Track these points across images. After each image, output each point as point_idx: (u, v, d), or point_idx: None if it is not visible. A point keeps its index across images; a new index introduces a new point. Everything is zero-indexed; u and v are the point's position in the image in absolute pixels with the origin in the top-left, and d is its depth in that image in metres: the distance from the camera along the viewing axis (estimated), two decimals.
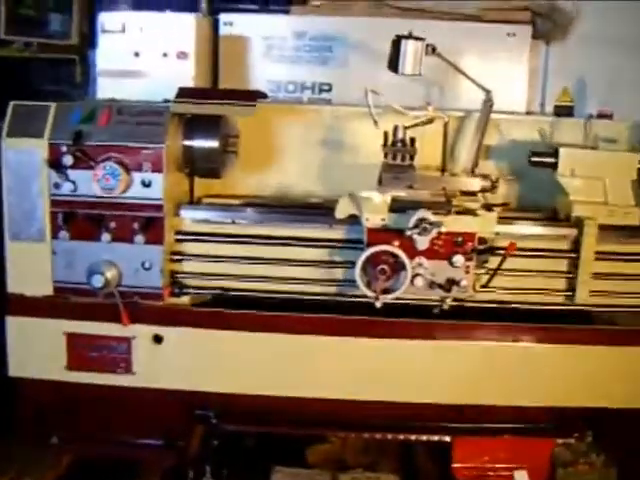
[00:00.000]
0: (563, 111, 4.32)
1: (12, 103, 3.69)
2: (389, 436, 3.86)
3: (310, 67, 4.51)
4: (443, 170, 3.96)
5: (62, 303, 3.74)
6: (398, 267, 3.52)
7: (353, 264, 3.60)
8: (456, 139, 4.18)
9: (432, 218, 3.43)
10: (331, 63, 4.50)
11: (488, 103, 3.94)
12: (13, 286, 3.77)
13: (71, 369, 3.79)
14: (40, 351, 3.80)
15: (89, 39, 4.23)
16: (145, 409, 3.80)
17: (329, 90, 4.51)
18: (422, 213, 3.43)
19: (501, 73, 4.39)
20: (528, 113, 4.48)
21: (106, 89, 4.14)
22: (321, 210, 3.83)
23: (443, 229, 3.45)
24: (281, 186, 4.26)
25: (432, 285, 3.58)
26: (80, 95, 4.88)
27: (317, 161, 4.23)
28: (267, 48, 4.52)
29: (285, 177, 4.24)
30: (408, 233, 3.43)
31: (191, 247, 3.81)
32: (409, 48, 3.74)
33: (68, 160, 3.56)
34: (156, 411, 3.80)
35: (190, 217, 3.80)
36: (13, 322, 3.79)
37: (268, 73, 4.53)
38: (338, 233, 3.75)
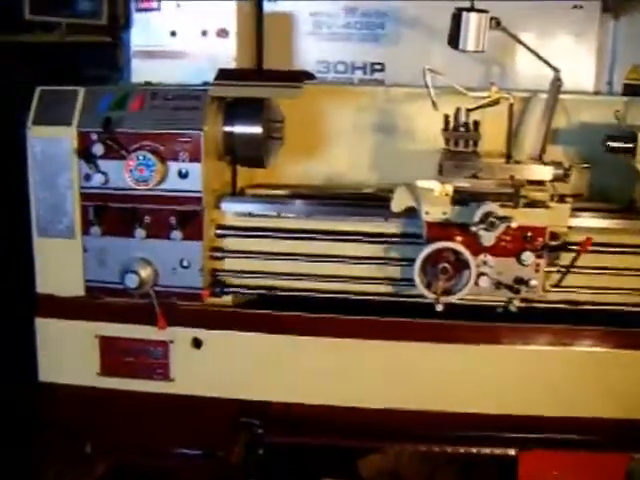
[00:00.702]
0: (633, 90, 3.91)
1: (38, 88, 3.39)
2: (448, 449, 3.48)
3: (361, 45, 4.10)
4: (508, 157, 3.56)
5: (94, 304, 3.46)
6: (461, 265, 3.15)
7: (409, 261, 3.30)
8: (520, 122, 3.76)
9: (500, 212, 3.04)
10: (383, 41, 4.09)
11: (557, 83, 3.53)
12: (42, 286, 3.49)
13: (105, 375, 3.51)
14: (71, 355, 3.52)
15: (123, 18, 3.84)
16: (183, 417, 3.51)
17: (381, 70, 4.11)
18: (489, 206, 3.05)
19: (566, 49, 3.97)
20: (596, 93, 4.04)
21: (140, 72, 3.79)
22: (374, 202, 3.48)
23: (513, 224, 3.04)
24: (330, 175, 3.91)
25: (498, 285, 3.21)
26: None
27: (369, 147, 3.88)
28: (315, 25, 4.11)
29: (334, 165, 3.89)
30: (473, 229, 3.05)
31: (233, 243, 3.49)
32: (471, 22, 3.33)
33: (98, 149, 3.27)
34: (195, 420, 3.50)
35: (232, 210, 3.47)
36: (43, 324, 3.52)
37: (316, 52, 4.13)
38: (394, 227, 3.40)
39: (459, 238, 3.15)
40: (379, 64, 4.10)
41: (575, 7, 3.99)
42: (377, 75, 4.11)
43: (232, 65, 3.70)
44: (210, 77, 3.44)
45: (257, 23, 4.05)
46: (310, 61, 4.11)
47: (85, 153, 3.28)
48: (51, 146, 3.32)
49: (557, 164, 3.39)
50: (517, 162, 3.50)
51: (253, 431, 3.52)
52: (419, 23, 4.00)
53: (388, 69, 4.10)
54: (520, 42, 3.50)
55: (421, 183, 3.27)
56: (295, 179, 3.87)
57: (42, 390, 3.55)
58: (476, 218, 3.06)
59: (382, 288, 3.44)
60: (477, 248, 3.15)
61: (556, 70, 3.50)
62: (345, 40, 4.11)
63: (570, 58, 3.89)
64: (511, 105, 3.52)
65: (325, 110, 3.85)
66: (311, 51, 4.13)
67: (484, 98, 3.46)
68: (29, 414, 3.75)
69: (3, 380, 4.20)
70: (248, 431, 3.53)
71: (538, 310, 3.35)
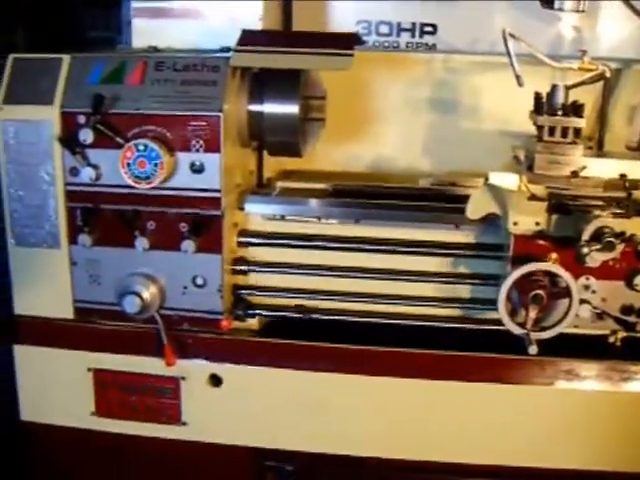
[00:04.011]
0: None
1: (11, 56, 2.51)
2: None
3: (409, 2, 3.16)
4: (600, 146, 2.69)
5: (85, 329, 2.63)
6: (558, 292, 2.29)
7: (484, 278, 2.53)
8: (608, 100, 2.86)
9: (616, 227, 2.17)
10: None
11: None
12: (21, 306, 2.66)
13: (100, 415, 2.68)
14: (59, 391, 2.70)
15: None
16: (197, 468, 2.70)
17: (433, 32, 3.19)
18: (602, 220, 2.18)
19: None
20: None
21: (143, 34, 2.82)
22: (436, 199, 2.63)
23: None
24: (376, 161, 3.04)
25: (602, 315, 2.34)
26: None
27: (423, 128, 3.00)
28: None
29: (382, 148, 3.02)
30: (584, 250, 2.17)
31: (261, 253, 2.65)
32: None
33: (87, 136, 2.41)
34: (211, 471, 2.69)
35: (259, 212, 2.62)
36: (23, 352, 2.69)
37: (354, 11, 3.20)
38: (466, 236, 2.54)
39: (554, 255, 2.29)
40: (430, 25, 3.18)
41: None
42: (427, 38, 3.19)
43: (258, 26, 2.77)
44: (230, 41, 2.56)
45: None
46: (347, 21, 3.18)
47: (70, 141, 2.43)
48: (27, 131, 2.47)
49: None
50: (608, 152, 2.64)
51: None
52: None
53: (441, 31, 3.18)
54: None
55: (497, 178, 2.42)
56: (334, 165, 3.01)
57: (24, 431, 2.73)
58: (586, 235, 2.19)
59: (447, 311, 2.59)
60: (577, 269, 2.30)
61: None
62: None
63: None
64: (607, 80, 2.63)
65: (370, 82, 2.97)
66: (348, 9, 3.18)
67: (576, 70, 2.60)
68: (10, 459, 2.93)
69: None
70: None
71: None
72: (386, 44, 3.19)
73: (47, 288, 2.59)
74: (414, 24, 3.19)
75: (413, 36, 3.21)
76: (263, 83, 2.55)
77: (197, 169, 2.42)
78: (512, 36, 2.53)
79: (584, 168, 2.40)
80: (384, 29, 3.21)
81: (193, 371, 2.59)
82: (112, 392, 2.63)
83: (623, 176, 2.39)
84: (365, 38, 3.14)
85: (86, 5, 5.61)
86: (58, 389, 2.67)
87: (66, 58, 2.49)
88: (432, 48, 3.16)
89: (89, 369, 2.63)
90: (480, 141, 2.90)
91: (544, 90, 2.52)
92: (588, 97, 2.62)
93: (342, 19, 3.20)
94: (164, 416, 2.62)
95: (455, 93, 2.96)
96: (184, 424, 2.63)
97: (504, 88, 2.63)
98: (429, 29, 3.19)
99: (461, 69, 2.96)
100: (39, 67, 2.50)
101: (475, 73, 2.93)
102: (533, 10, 2.85)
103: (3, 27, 5.15)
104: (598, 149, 2.71)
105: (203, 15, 2.82)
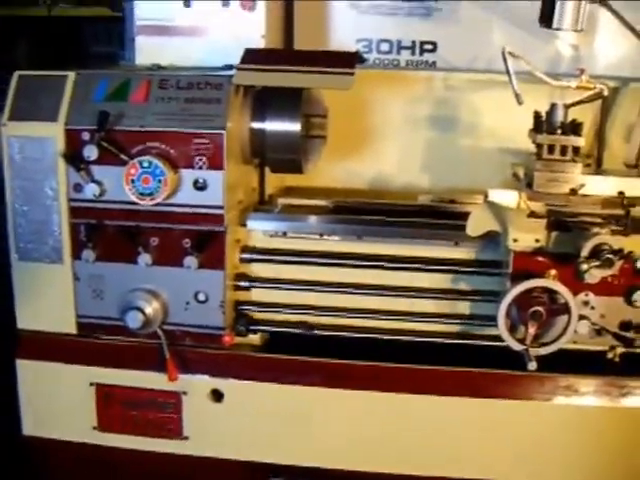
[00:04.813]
0: None
1: (16, 73, 2.51)
2: None
3: (409, 20, 3.17)
4: (599, 163, 2.70)
5: (88, 345, 2.61)
6: (557, 308, 2.30)
7: (483, 294, 2.54)
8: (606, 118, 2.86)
9: (615, 244, 2.18)
10: (436, 15, 3.17)
11: None
12: (24, 321, 2.64)
13: (102, 430, 2.65)
14: (62, 405, 2.67)
15: None
16: None
17: (433, 50, 3.19)
18: (601, 237, 2.19)
19: None
20: None
21: (146, 52, 2.83)
22: (436, 216, 2.64)
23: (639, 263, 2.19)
24: (376, 177, 3.03)
25: (601, 331, 2.35)
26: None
27: (422, 145, 3.00)
28: None
29: (381, 165, 3.01)
30: (584, 267, 2.18)
31: (263, 269, 2.65)
32: None
33: (92, 152, 2.40)
34: None
35: (262, 228, 2.62)
36: (25, 367, 2.66)
37: (355, 29, 3.20)
38: (466, 253, 2.54)
39: (553, 272, 2.29)
40: (430, 43, 3.18)
41: None
42: (427, 56, 3.20)
43: (260, 44, 2.78)
44: (232, 59, 2.58)
45: None
46: (348, 39, 3.18)
47: (75, 157, 2.42)
48: (32, 148, 2.46)
49: None
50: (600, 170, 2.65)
51: None
52: None
53: (441, 49, 3.20)
54: (623, 21, 2.63)
55: (496, 195, 2.43)
56: (334, 181, 3.00)
57: (26, 445, 2.71)
58: (585, 252, 2.19)
59: (446, 327, 2.59)
60: (576, 285, 2.30)
61: None
62: (390, 14, 3.16)
63: None
64: (605, 98, 2.64)
65: (370, 99, 2.96)
66: (349, 27, 3.19)
67: (575, 89, 2.61)
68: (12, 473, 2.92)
69: None
70: None
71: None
72: (386, 62, 3.20)
73: (50, 303, 2.58)
74: (414, 42, 3.20)
75: (413, 54, 3.21)
76: (265, 101, 2.55)
77: (200, 186, 2.41)
78: (511, 54, 2.55)
79: (583, 186, 2.40)
80: (384, 47, 3.22)
81: (195, 386, 2.57)
82: (114, 407, 2.61)
83: (621, 193, 2.39)
84: (366, 56, 3.16)
85: (88, 20, 5.63)
86: (60, 403, 2.65)
87: (71, 75, 2.49)
88: (432, 65, 3.17)
89: (91, 384, 2.60)
90: (479, 158, 2.90)
91: (542, 108, 2.52)
92: (586, 115, 2.63)
93: (343, 37, 3.20)
94: (166, 430, 2.60)
95: (454, 111, 2.96)
96: (185, 438, 2.61)
97: (503, 106, 2.63)
98: (429, 47, 3.20)
99: (460, 87, 2.95)
100: (44, 84, 2.50)
101: (474, 91, 2.93)
102: (531, 28, 2.83)
103: (5, 43, 5.17)
104: (596, 167, 2.69)
105: (206, 33, 2.83)
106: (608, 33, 2.94)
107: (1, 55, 4.61)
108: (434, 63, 3.17)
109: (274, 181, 2.85)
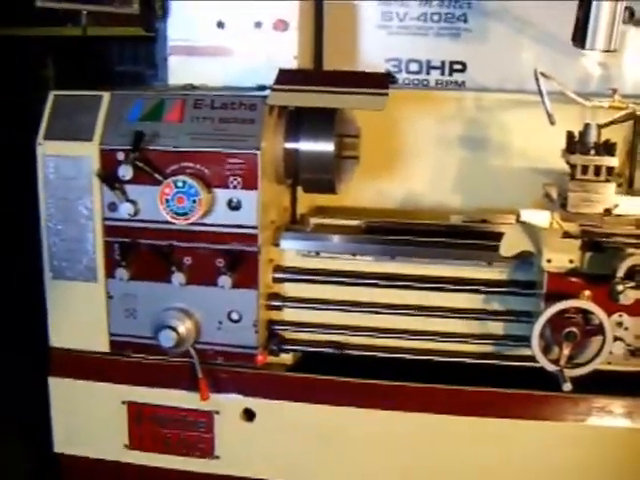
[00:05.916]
0: None
1: (52, 93, 2.51)
2: None
3: (439, 41, 3.17)
4: (631, 183, 2.67)
5: (121, 363, 2.61)
6: (591, 329, 2.27)
7: (516, 315, 2.51)
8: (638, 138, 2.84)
9: None
10: (465, 36, 3.16)
11: None
12: (57, 339, 2.65)
13: (134, 448, 2.66)
14: (93, 424, 2.67)
15: (159, 6, 2.93)
16: None
17: (462, 70, 3.18)
18: (637, 258, 2.16)
19: None
20: None
21: (180, 72, 2.85)
22: (468, 236, 2.61)
23: None
24: (406, 197, 3.02)
25: (635, 352, 2.33)
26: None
27: (454, 164, 2.99)
28: (383, 17, 3.18)
29: (413, 186, 3.01)
30: (619, 288, 2.15)
31: (295, 289, 2.64)
32: (603, 12, 2.43)
33: (126, 172, 2.40)
34: None
35: (294, 248, 2.61)
36: (57, 385, 2.67)
37: (384, 48, 3.20)
38: (499, 273, 2.52)
39: (587, 292, 2.26)
40: (460, 63, 3.17)
41: None
42: (457, 76, 3.19)
43: (293, 65, 2.78)
44: (265, 79, 2.58)
45: (316, 13, 3.13)
46: (377, 59, 3.18)
47: (109, 176, 2.43)
48: (67, 167, 2.48)
49: None
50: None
51: None
52: (508, 15, 3.06)
53: (470, 69, 3.19)
54: None
55: (528, 215, 2.42)
56: (364, 201, 2.99)
57: (57, 463, 2.70)
58: (620, 273, 2.17)
59: (481, 348, 2.56)
60: (610, 306, 2.27)
61: None
62: (419, 34, 3.16)
63: None
64: (638, 117, 2.62)
65: (401, 119, 2.95)
66: (379, 47, 3.18)
67: (606, 109, 2.59)
68: None
69: (11, 449, 3.31)
70: None
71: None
72: (416, 81, 3.19)
73: (83, 321, 2.58)
74: (444, 62, 3.20)
75: (443, 74, 3.20)
76: (299, 121, 2.55)
77: (234, 206, 2.41)
78: (543, 75, 2.54)
79: (617, 206, 2.39)
80: (414, 67, 3.21)
81: (227, 405, 2.56)
82: (146, 425, 2.61)
83: None
84: (395, 76, 3.16)
85: (118, 40, 5.66)
86: (92, 421, 2.65)
87: (106, 95, 2.50)
88: (462, 85, 3.17)
89: (123, 402, 2.61)
90: (509, 178, 2.89)
91: (572, 127, 2.51)
92: (618, 134, 2.60)
93: (372, 57, 3.20)
94: (197, 450, 2.60)
95: (485, 131, 2.94)
96: (217, 458, 2.59)
97: (533, 126, 2.65)
98: (458, 67, 3.19)
99: (491, 107, 2.94)
100: (79, 104, 2.52)
101: (505, 110, 2.92)
102: (560, 48, 2.83)
103: (34, 63, 5.21)
104: (628, 187, 2.69)
105: (238, 53, 2.84)
106: (636, 52, 2.92)
107: (34, 75, 4.64)
108: (463, 83, 3.15)
109: (305, 201, 2.84)
